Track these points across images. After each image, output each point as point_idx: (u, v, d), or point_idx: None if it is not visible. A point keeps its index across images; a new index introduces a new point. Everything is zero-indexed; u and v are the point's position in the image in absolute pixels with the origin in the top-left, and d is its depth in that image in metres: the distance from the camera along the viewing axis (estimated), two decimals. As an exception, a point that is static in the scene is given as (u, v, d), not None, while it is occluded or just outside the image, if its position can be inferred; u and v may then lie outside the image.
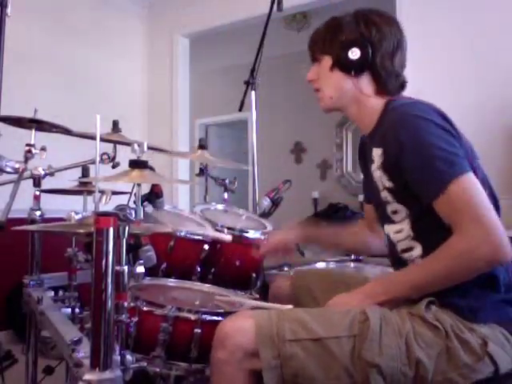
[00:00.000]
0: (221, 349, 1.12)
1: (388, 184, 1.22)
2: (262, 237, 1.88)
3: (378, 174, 1.24)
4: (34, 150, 1.64)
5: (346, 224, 1.68)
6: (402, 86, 1.33)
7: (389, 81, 1.29)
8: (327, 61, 1.31)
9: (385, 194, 1.24)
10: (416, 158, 1.13)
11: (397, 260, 1.30)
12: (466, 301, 1.13)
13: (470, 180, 1.10)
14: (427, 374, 1.08)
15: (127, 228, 0.98)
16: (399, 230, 1.25)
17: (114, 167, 1.89)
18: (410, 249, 1.24)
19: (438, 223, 1.13)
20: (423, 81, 2.59)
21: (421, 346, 1.09)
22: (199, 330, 1.30)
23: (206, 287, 1.66)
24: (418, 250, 1.22)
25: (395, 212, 1.25)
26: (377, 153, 1.24)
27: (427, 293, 1.15)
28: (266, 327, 1.11)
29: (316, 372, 1.09)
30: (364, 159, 1.41)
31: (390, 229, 1.29)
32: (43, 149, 1.66)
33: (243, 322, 1.13)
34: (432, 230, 1.17)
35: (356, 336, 1.10)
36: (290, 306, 1.28)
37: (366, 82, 1.30)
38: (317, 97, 1.37)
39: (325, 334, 1.10)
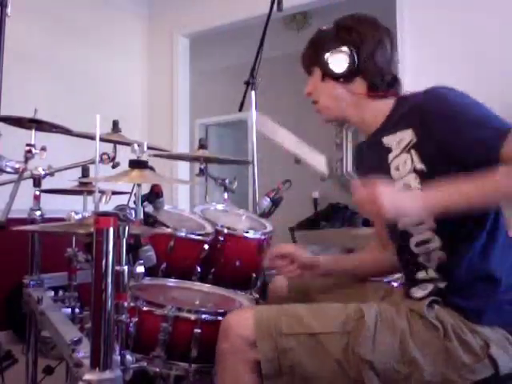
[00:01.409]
0: (224, 340, 1.16)
1: (419, 166, 1.17)
2: (262, 237, 1.88)
3: (403, 157, 1.20)
4: (34, 150, 1.65)
5: (348, 227, 1.63)
6: (393, 82, 1.30)
7: (376, 80, 1.28)
8: (317, 72, 1.33)
9: (408, 180, 1.19)
10: (464, 118, 1.11)
11: (406, 256, 1.27)
12: (471, 302, 1.14)
13: None
14: (422, 373, 1.09)
15: (127, 228, 0.98)
16: (420, 221, 1.21)
17: (114, 167, 1.89)
18: (426, 241, 1.21)
19: (460, 217, 1.09)
20: (424, 80, 2.58)
21: (416, 344, 1.10)
22: (199, 330, 1.30)
23: (206, 287, 1.66)
24: (436, 243, 1.20)
25: None
26: (401, 136, 1.21)
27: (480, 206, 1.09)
28: (264, 320, 1.15)
29: (311, 365, 1.12)
30: (369, 161, 1.37)
31: (409, 221, 1.23)
32: (43, 149, 1.66)
33: (244, 315, 1.18)
34: (454, 223, 1.14)
35: (350, 333, 1.12)
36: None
37: (358, 86, 1.29)
38: (316, 109, 1.38)
39: (320, 329, 1.13)
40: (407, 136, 1.20)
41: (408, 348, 1.10)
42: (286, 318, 1.15)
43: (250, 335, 1.13)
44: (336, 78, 1.29)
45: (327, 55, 1.28)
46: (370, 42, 1.27)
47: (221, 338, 1.18)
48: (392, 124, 1.26)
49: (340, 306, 1.19)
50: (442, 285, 1.19)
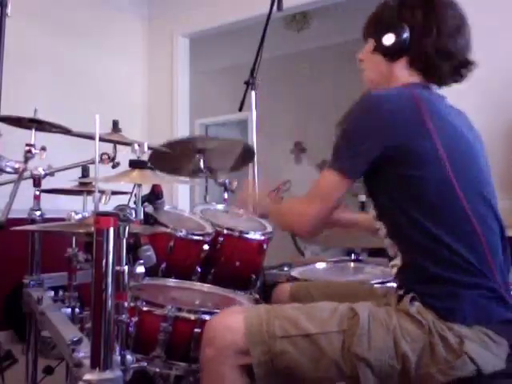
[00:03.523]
0: (209, 346, 1.14)
1: None
2: (262, 237, 1.88)
3: None
4: (34, 150, 1.64)
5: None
6: (454, 71, 1.28)
7: (428, 66, 1.27)
8: (370, 43, 1.34)
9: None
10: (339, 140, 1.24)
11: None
12: (443, 303, 1.13)
13: (338, 180, 1.23)
14: (412, 368, 1.10)
15: (127, 228, 0.99)
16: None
17: (114, 167, 1.89)
18: (379, 229, 1.30)
19: (388, 204, 1.22)
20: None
21: (407, 340, 1.11)
22: (199, 330, 1.30)
23: (206, 287, 1.66)
24: (383, 230, 1.27)
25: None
26: None
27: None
28: (255, 325, 1.13)
29: (306, 365, 1.13)
30: None
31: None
32: (43, 149, 1.66)
33: (232, 320, 1.15)
34: (384, 211, 1.26)
35: (345, 331, 1.13)
36: None
37: (400, 67, 1.30)
38: (361, 77, 1.40)
39: (314, 330, 1.13)
40: None
41: (400, 344, 1.11)
42: (278, 321, 1.14)
43: (239, 341, 1.12)
44: (384, 54, 1.30)
45: (381, 30, 1.28)
46: (441, 24, 1.24)
47: (205, 345, 1.15)
48: None
49: (330, 306, 1.19)
50: (410, 280, 1.20)
